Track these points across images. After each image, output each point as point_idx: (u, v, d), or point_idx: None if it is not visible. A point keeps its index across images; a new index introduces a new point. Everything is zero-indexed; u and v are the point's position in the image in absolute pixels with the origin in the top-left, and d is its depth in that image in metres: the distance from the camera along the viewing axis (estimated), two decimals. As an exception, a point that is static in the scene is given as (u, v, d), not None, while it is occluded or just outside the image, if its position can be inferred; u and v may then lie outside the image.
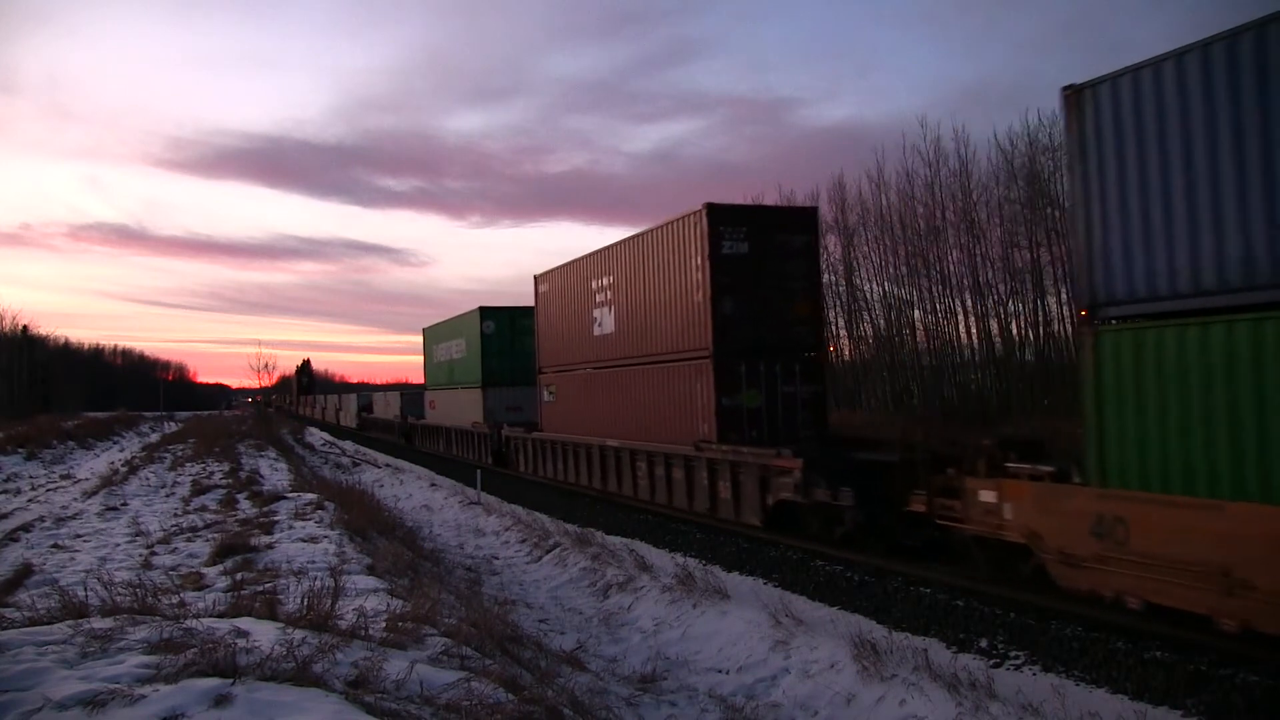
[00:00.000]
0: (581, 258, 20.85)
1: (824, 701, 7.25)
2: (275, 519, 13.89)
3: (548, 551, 14.32)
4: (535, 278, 23.97)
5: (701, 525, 15.68)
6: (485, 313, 29.99)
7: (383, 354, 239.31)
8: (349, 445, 46.28)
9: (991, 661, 8.12)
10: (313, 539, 11.82)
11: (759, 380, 15.22)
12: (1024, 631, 8.72)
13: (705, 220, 15.12)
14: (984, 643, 8.61)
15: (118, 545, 12.88)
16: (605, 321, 19.34)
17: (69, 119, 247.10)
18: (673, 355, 16.50)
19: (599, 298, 19.60)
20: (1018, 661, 8.10)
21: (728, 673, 8.26)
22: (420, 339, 40.60)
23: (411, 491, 24.54)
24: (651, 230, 17.27)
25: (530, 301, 25.42)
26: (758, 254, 15.24)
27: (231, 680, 4.66)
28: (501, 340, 29.52)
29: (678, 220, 16.15)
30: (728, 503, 14.88)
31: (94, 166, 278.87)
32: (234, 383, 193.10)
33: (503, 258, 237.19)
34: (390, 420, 47.45)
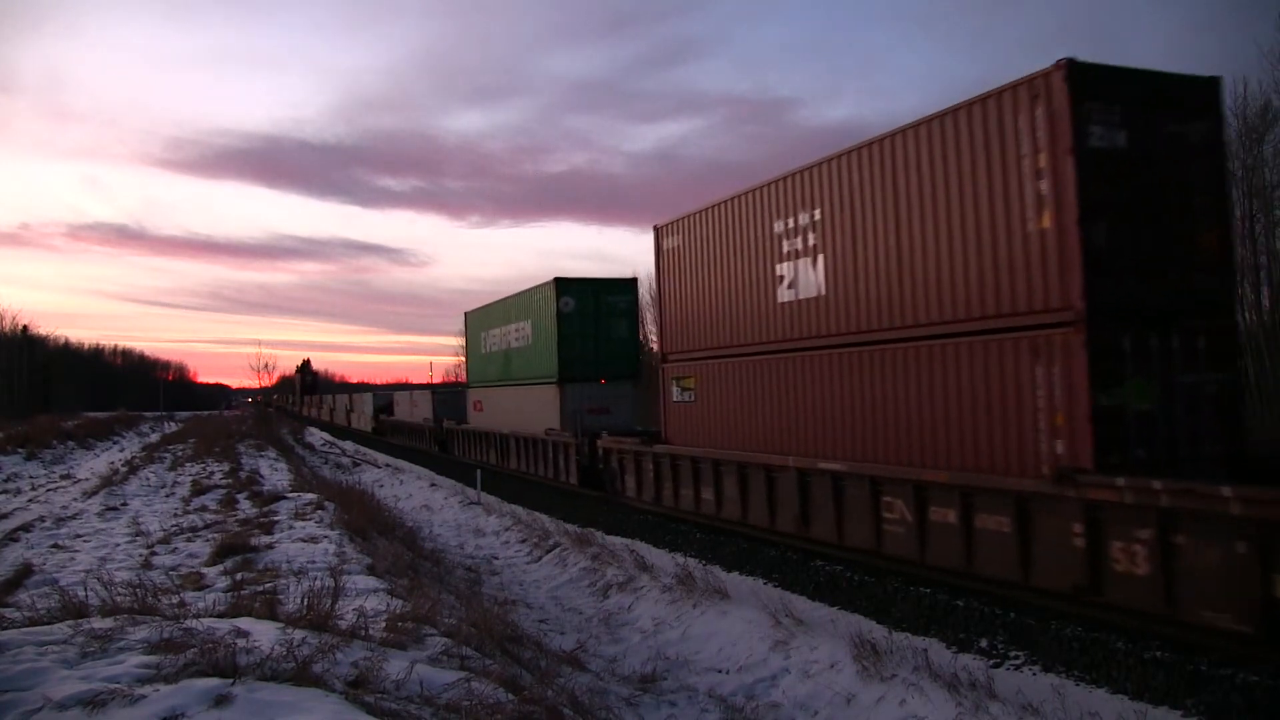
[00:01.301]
0: (748, 191, 14.21)
1: (824, 701, 7.25)
2: (275, 519, 13.89)
3: (548, 551, 14.32)
4: (657, 230, 17.22)
5: (701, 525, 15.57)
6: (562, 286, 22.70)
7: (382, 354, 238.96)
8: (349, 445, 46.25)
9: (991, 661, 8.12)
10: (313, 539, 11.81)
11: (1150, 363, 8.89)
12: (1024, 631, 8.72)
13: (1059, 90, 8.79)
14: (984, 643, 8.61)
15: (118, 545, 12.88)
16: (804, 280, 12.78)
17: (68, 119, 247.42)
18: (974, 323, 9.86)
19: (789, 245, 13.12)
20: (1018, 661, 8.10)
21: (728, 673, 8.26)
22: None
23: (411, 491, 24.54)
24: (917, 126, 10.68)
25: (605, 277, 23.07)
26: (1141, 149, 9.12)
27: (231, 680, 4.66)
28: (583, 321, 22.75)
29: (988, 98, 9.61)
30: (1151, 588, 7.87)
31: (93, 166, 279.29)
32: (234, 383, 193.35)
33: (502, 258, 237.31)
34: (418, 424, 39.70)
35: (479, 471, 23.09)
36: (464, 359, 32.64)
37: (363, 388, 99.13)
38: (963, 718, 6.41)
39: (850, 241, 11.85)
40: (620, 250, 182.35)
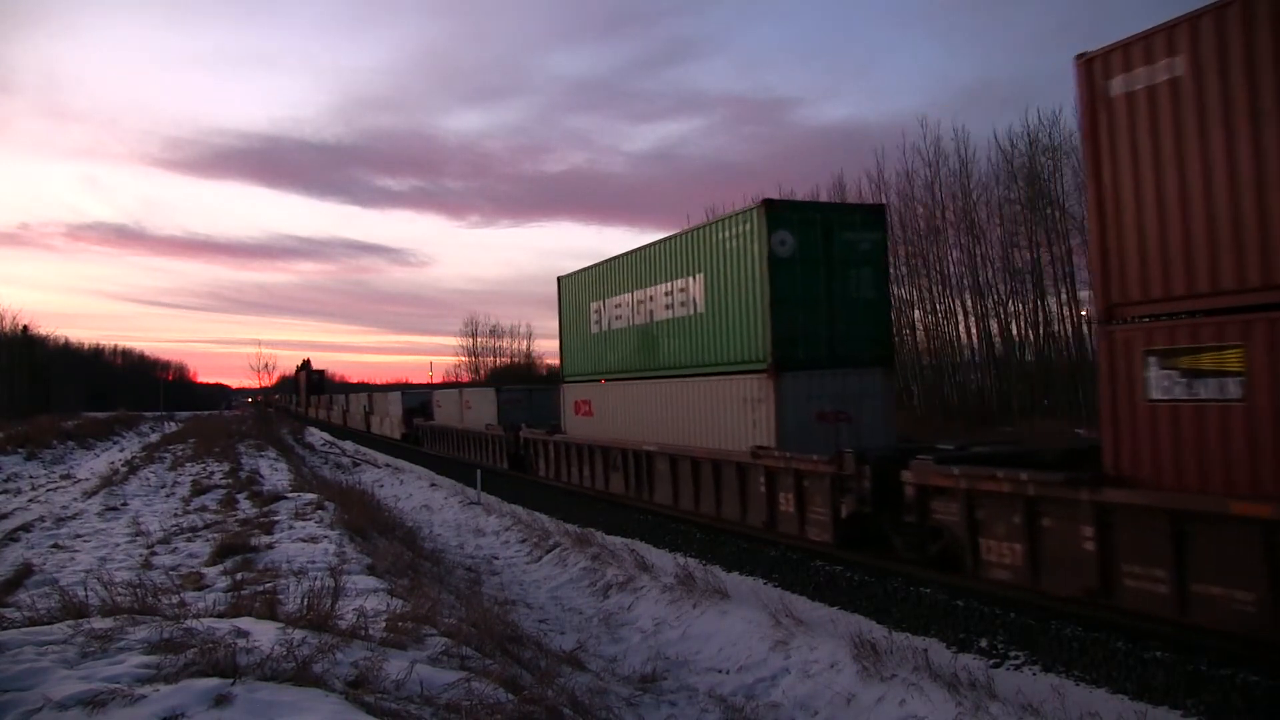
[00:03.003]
0: None
1: (824, 701, 7.25)
2: (275, 519, 13.90)
3: (548, 551, 14.32)
4: (1089, 60, 8.44)
5: (701, 525, 15.67)
6: (776, 215, 14.20)
7: (382, 354, 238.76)
8: (349, 445, 46.22)
9: (991, 661, 8.12)
10: (313, 539, 11.81)
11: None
12: (1024, 631, 8.72)
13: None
14: (984, 643, 8.61)
15: (118, 545, 12.88)
16: None
17: (67, 119, 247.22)
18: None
19: None
20: (1018, 661, 8.10)
21: (728, 673, 8.26)
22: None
23: (411, 491, 24.54)
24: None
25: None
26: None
27: (231, 680, 4.66)
28: (807, 273, 14.25)
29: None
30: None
31: (92, 166, 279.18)
32: (234, 383, 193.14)
33: (502, 258, 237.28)
34: (475, 432, 30.76)
35: (479, 471, 23.03)
36: (558, 343, 23.25)
37: (386, 388, 78.10)
38: (963, 718, 6.41)
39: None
40: (620, 250, 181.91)
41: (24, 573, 10.61)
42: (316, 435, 56.16)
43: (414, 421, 42.23)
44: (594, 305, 20.79)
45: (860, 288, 14.60)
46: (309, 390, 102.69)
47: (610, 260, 19.98)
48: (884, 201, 16.06)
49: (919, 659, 7.47)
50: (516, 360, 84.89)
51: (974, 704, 6.53)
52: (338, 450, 42.59)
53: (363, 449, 43.26)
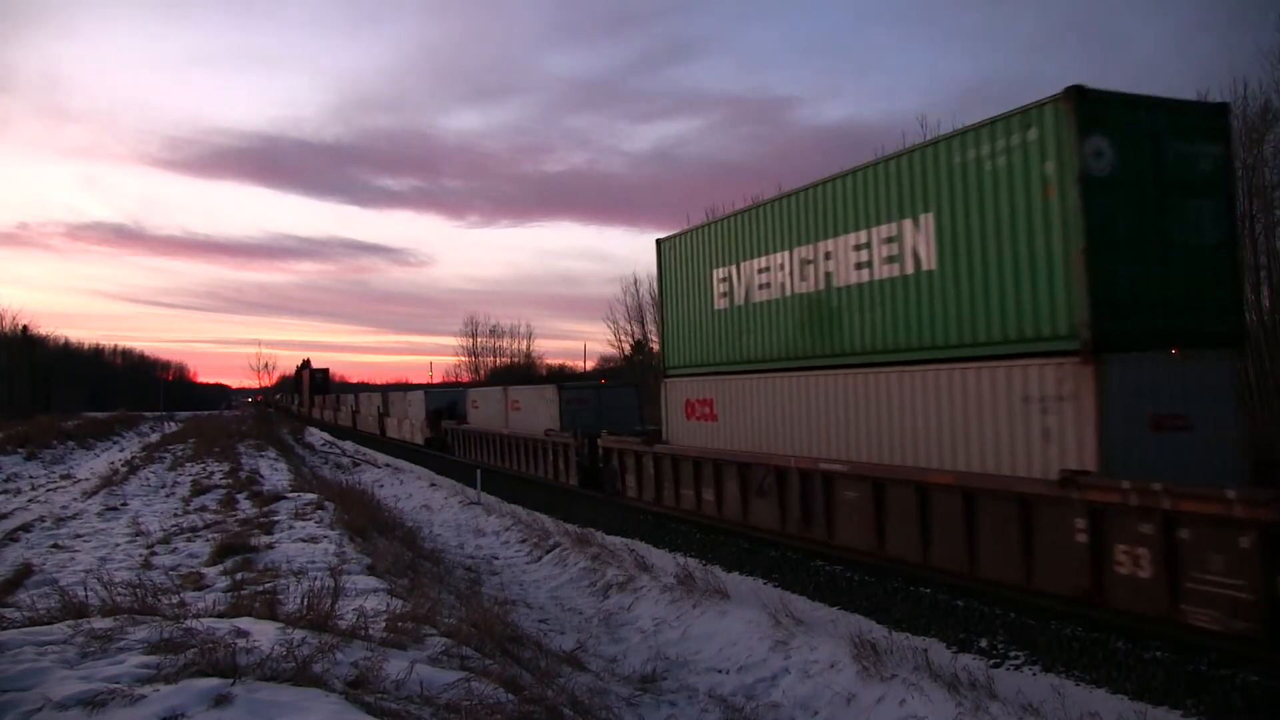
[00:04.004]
0: None
1: (824, 701, 7.25)
2: (275, 519, 13.90)
3: (548, 551, 14.32)
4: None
5: (701, 525, 15.64)
6: (1088, 111, 9.06)
7: (382, 354, 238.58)
8: (349, 445, 46.22)
9: (991, 661, 8.12)
10: (313, 539, 11.82)
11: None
12: (1024, 631, 8.72)
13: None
14: (984, 643, 8.61)
15: (118, 545, 12.88)
16: None
17: (66, 118, 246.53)
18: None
19: None
20: (1018, 661, 8.10)
21: (728, 673, 8.26)
22: None
23: (411, 491, 24.54)
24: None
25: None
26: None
27: (231, 680, 4.66)
28: (1131, 201, 9.35)
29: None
30: None
31: (91, 166, 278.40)
32: (234, 383, 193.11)
33: (502, 258, 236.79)
34: (532, 440, 25.03)
35: (479, 471, 22.96)
36: (659, 325, 18.22)
37: (400, 387, 70.51)
38: (963, 718, 6.41)
39: None
40: (620, 250, 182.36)
41: (24, 573, 10.61)
42: (316, 435, 56.16)
43: (442, 424, 37.14)
44: (719, 273, 15.36)
45: (1200, 226, 9.83)
46: (312, 390, 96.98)
47: (748, 210, 14.62)
48: (1225, 101, 12.29)
49: (919, 659, 7.47)
50: (516, 360, 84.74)
51: (974, 704, 6.53)
52: (338, 450, 42.59)
53: (363, 449, 43.23)
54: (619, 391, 25.11)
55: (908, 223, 11.16)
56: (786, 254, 13.52)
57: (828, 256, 12.59)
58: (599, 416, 23.12)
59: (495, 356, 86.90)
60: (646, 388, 27.92)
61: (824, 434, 12.50)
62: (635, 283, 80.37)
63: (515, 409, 27.62)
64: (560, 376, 70.35)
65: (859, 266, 12.04)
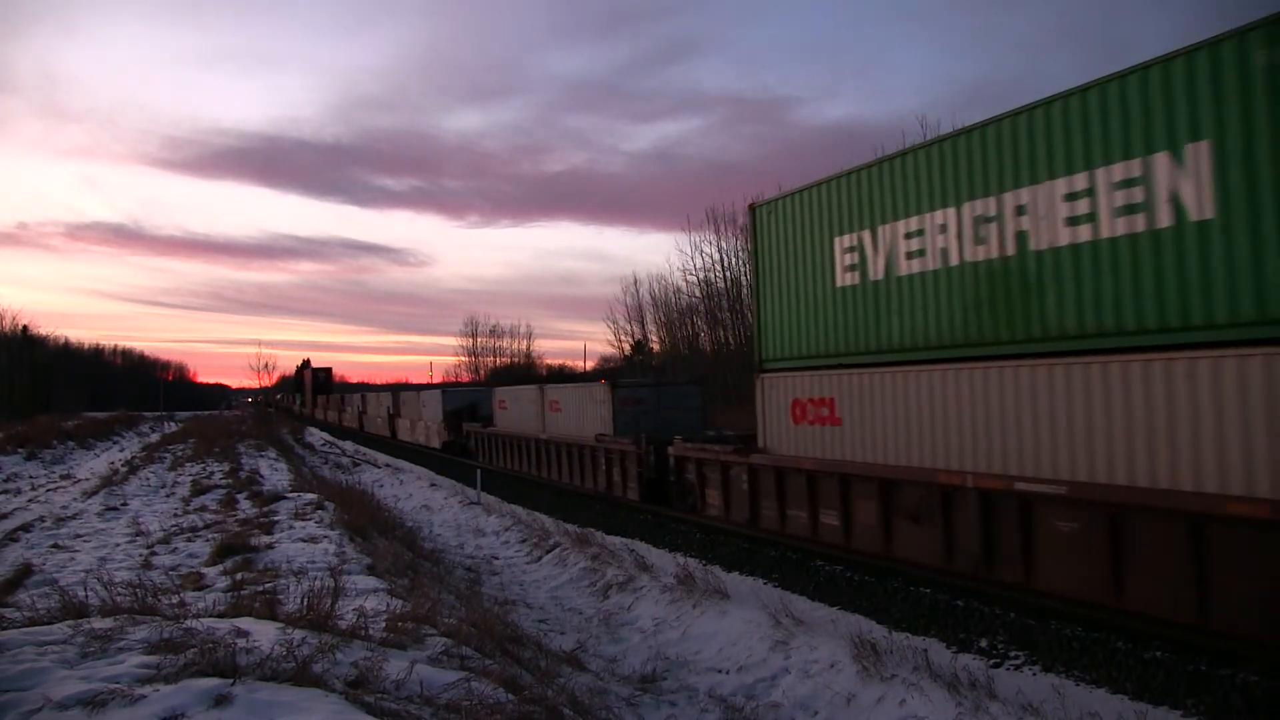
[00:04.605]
0: None
1: (824, 701, 7.25)
2: (275, 519, 13.90)
3: (548, 551, 14.33)
4: None
5: (702, 525, 15.66)
6: None
7: (382, 354, 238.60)
8: (349, 445, 46.23)
9: (991, 661, 8.13)
10: (313, 539, 11.82)
11: None
12: (1024, 631, 8.72)
13: None
14: (984, 643, 8.62)
15: (118, 545, 12.88)
16: None
17: (65, 118, 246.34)
18: None
19: None
20: (1018, 661, 8.11)
21: (728, 673, 8.26)
22: None
23: (411, 491, 24.54)
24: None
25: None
26: None
27: (231, 680, 4.66)
28: None
29: None
30: None
31: (90, 166, 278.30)
32: (234, 383, 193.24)
33: (502, 258, 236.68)
34: (579, 445, 21.95)
35: (479, 470, 22.92)
36: (753, 311, 15.24)
37: (413, 387, 64.59)
38: (963, 718, 6.41)
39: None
40: (619, 250, 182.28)
41: (24, 573, 10.61)
42: (317, 435, 56.16)
43: (464, 427, 33.82)
44: (843, 241, 12.41)
45: None
46: (315, 390, 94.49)
47: (889, 159, 11.76)
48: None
49: (919, 659, 7.47)
50: (517, 360, 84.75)
51: (974, 704, 6.53)
52: (338, 450, 42.61)
53: (363, 449, 43.24)
54: (680, 390, 21.77)
55: (1161, 158, 8.32)
56: (951, 211, 10.67)
57: (1020, 211, 9.78)
58: (657, 419, 20.18)
59: (495, 356, 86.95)
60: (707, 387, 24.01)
61: (1012, 444, 9.60)
62: (635, 283, 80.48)
63: (554, 410, 24.18)
64: (560, 376, 70.09)
65: (1073, 221, 9.23)
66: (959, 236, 10.59)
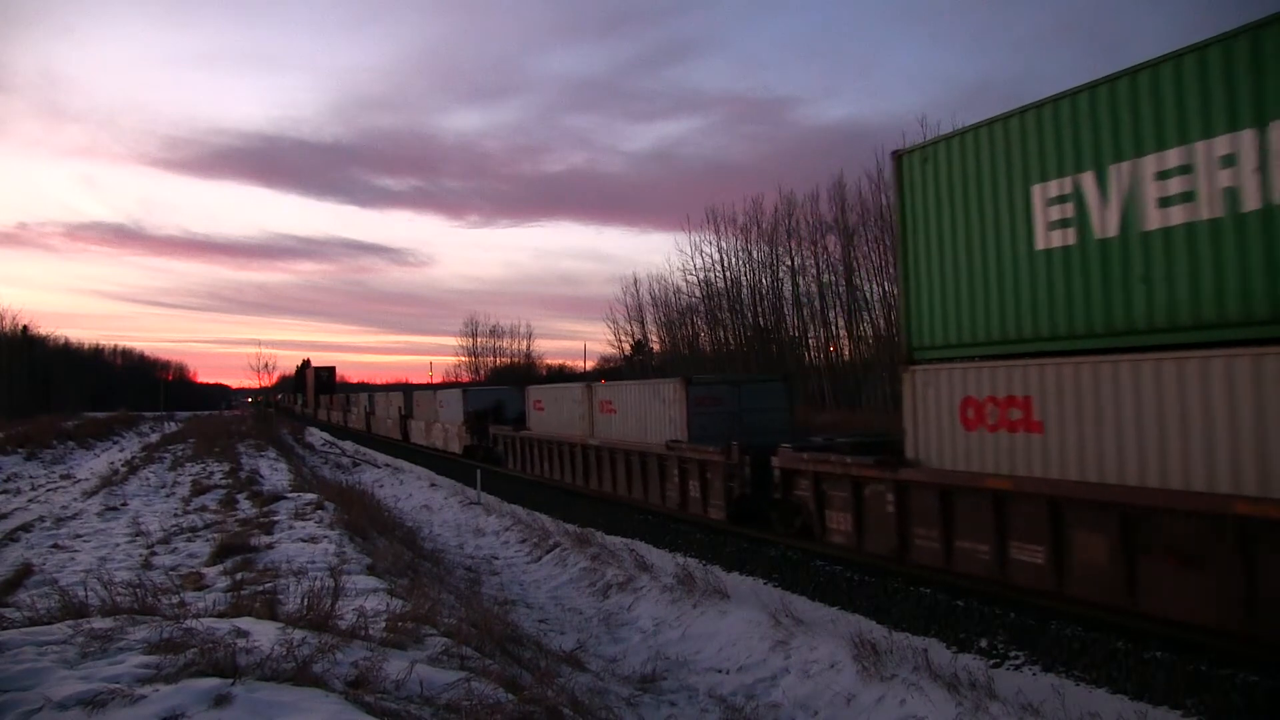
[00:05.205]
0: None
1: (824, 701, 7.25)
2: (275, 519, 13.90)
3: (548, 551, 14.33)
4: None
5: (702, 525, 15.62)
6: None
7: (382, 354, 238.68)
8: (349, 445, 46.22)
9: (991, 661, 8.13)
10: (313, 539, 11.82)
11: None
12: (1024, 631, 8.72)
13: None
14: (984, 643, 8.62)
15: (118, 545, 12.88)
16: None
17: (64, 118, 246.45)
18: None
19: None
20: (1018, 661, 8.11)
21: (728, 673, 8.26)
22: None
23: (411, 491, 24.54)
24: None
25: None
26: None
27: (231, 680, 4.66)
28: None
29: None
30: None
31: (90, 166, 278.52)
32: (234, 383, 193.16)
33: (502, 258, 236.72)
34: (640, 453, 18.86)
35: (479, 470, 22.89)
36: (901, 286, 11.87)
37: (439, 386, 61.45)
38: (963, 718, 6.41)
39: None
40: (619, 250, 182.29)
41: (24, 573, 10.61)
42: (317, 435, 56.14)
43: (491, 430, 30.63)
44: (1044, 190, 9.58)
45: None
46: (318, 389, 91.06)
47: (1130, 73, 8.66)
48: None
49: (919, 659, 7.48)
50: (517, 360, 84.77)
51: (974, 704, 6.53)
52: (338, 450, 42.61)
53: (363, 449, 43.23)
54: (764, 387, 18.47)
55: None
56: (1247, 135, 7.60)
57: None
58: (736, 421, 17.29)
59: (495, 356, 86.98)
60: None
61: None
62: (635, 282, 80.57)
63: (607, 412, 20.81)
64: (560, 376, 69.99)
65: None
66: (1261, 170, 7.53)
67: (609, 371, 63.94)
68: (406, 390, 50.25)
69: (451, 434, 34.55)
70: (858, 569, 11.56)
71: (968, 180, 10.47)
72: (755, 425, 17.09)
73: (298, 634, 5.73)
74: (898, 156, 11.74)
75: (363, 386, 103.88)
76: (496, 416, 31.46)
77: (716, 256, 52.11)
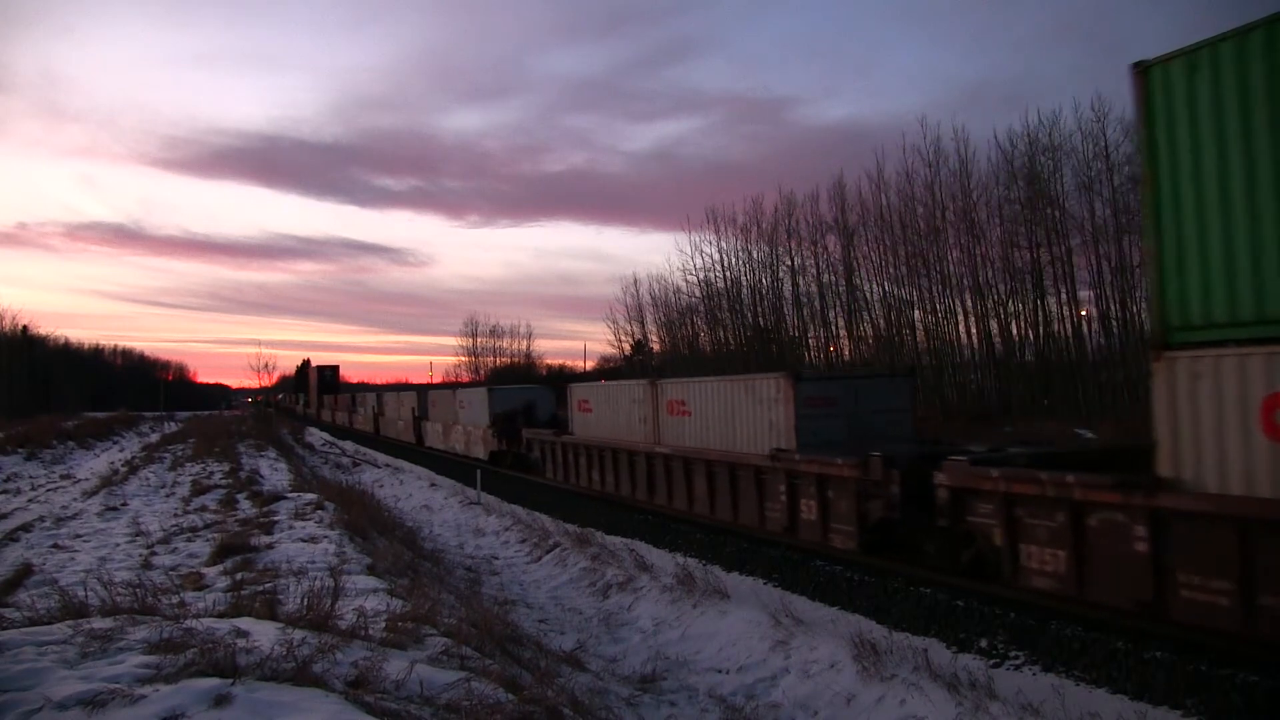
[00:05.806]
0: None
1: (824, 701, 7.25)
2: (275, 519, 13.89)
3: (548, 551, 14.32)
4: None
5: (702, 525, 15.63)
6: None
7: (382, 354, 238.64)
8: (349, 445, 46.21)
9: (991, 661, 8.13)
10: (313, 539, 11.81)
11: None
12: (1024, 631, 8.72)
13: None
14: (984, 643, 8.62)
15: (118, 545, 12.88)
16: None
17: (64, 118, 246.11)
18: None
19: None
20: (1018, 661, 8.11)
21: (728, 673, 8.26)
22: None
23: (411, 491, 24.54)
24: None
25: None
26: None
27: (231, 680, 4.66)
28: None
29: None
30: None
31: (90, 166, 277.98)
32: (234, 383, 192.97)
33: (502, 258, 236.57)
34: (724, 462, 15.30)
35: (479, 471, 22.91)
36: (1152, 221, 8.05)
37: (457, 386, 58.46)
38: (963, 718, 6.41)
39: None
40: (619, 250, 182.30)
41: (24, 573, 10.61)
42: (317, 435, 56.13)
43: (521, 434, 27.31)
44: None
45: None
46: (321, 389, 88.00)
47: None
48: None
49: (919, 659, 7.48)
50: (516, 360, 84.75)
51: (974, 704, 6.53)
52: (338, 450, 42.62)
53: (363, 449, 43.21)
54: (884, 384, 15.49)
55: None
56: None
57: None
58: (850, 424, 14.24)
59: (495, 356, 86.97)
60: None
61: None
62: (635, 282, 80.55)
63: (677, 414, 17.32)
64: (560, 376, 69.76)
65: None
66: None
67: (609, 371, 63.96)
68: (421, 390, 46.65)
69: (475, 438, 31.25)
70: (858, 569, 11.55)
71: (1266, 99, 7.27)
72: (871, 427, 14.18)
73: (298, 634, 5.73)
74: (1142, 70, 8.27)
75: (363, 386, 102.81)
76: (527, 419, 28.33)
77: (716, 256, 52.11)
